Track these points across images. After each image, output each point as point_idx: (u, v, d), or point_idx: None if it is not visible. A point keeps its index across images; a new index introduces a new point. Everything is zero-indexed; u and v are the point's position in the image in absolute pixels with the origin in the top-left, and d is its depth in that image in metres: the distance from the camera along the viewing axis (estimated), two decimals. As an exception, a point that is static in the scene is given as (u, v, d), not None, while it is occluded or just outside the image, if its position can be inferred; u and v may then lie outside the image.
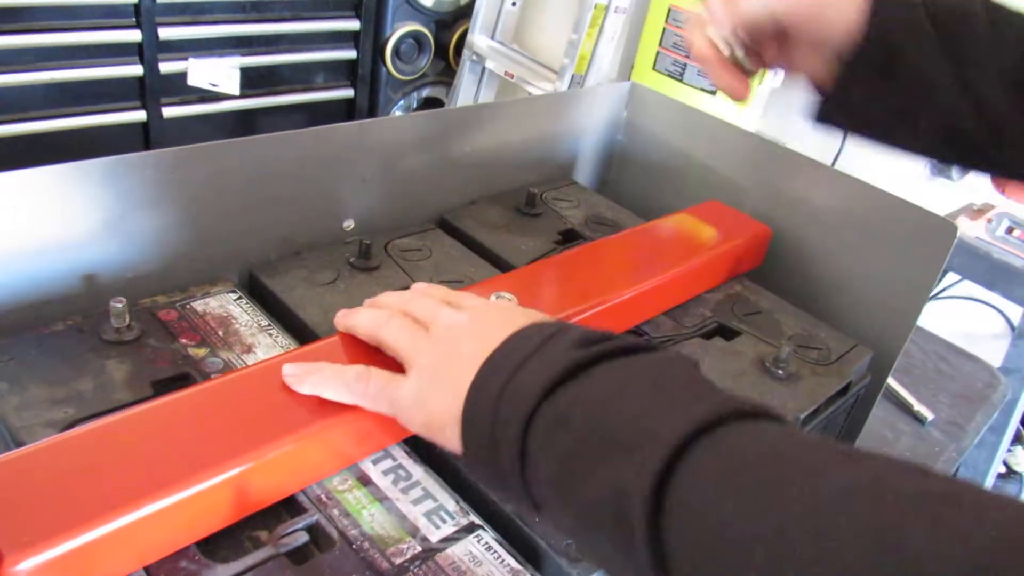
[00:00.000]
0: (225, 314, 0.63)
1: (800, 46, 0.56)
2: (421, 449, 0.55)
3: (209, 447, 0.46)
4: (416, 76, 2.16)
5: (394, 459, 0.53)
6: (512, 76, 2.08)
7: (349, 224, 0.76)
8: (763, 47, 0.59)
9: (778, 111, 1.85)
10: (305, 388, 0.50)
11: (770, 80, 1.58)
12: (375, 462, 0.53)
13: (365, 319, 0.54)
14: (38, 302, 0.60)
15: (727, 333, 0.72)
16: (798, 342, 0.70)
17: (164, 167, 0.63)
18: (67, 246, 0.60)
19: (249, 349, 0.60)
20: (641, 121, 0.96)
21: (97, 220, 0.61)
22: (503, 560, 0.48)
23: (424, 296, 0.54)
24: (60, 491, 0.42)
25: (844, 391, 0.69)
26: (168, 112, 1.72)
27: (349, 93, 2.02)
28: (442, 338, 0.48)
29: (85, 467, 0.44)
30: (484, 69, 2.14)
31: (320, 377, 0.50)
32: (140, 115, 1.69)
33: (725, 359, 0.68)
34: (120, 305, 0.58)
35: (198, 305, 0.63)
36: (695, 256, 0.76)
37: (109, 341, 0.58)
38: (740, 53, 0.58)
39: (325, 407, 0.50)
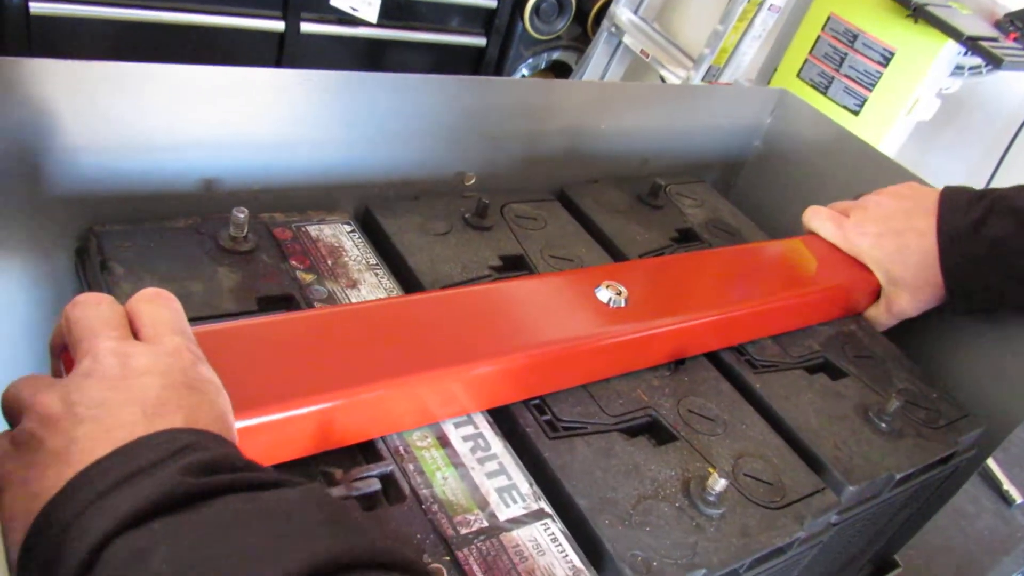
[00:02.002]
0: (337, 244, 0.63)
1: None
2: (504, 424, 0.54)
3: (303, 376, 0.46)
4: (550, 37, 2.12)
5: (476, 427, 0.53)
6: (647, 56, 2.02)
7: (470, 178, 0.75)
8: None
9: (920, 145, 1.75)
10: None
11: (919, 112, 1.49)
12: (457, 426, 0.52)
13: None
14: (164, 195, 0.61)
15: (833, 372, 0.68)
16: (907, 397, 0.66)
17: (312, 87, 0.62)
18: (202, 146, 0.61)
19: (354, 284, 0.60)
20: (783, 131, 0.92)
21: (232, 127, 0.62)
22: (566, 555, 0.47)
23: (95, 322, 0.39)
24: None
25: (946, 460, 0.65)
26: (305, 27, 1.74)
27: (481, 42, 2.01)
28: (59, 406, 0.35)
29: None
30: (620, 43, 2.08)
31: None
32: (279, 25, 1.71)
33: (827, 398, 0.65)
34: (242, 215, 0.58)
35: (313, 230, 0.64)
36: (813, 284, 0.72)
37: (224, 248, 0.59)
38: None
39: (420, 357, 0.50)
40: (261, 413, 0.43)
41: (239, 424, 0.42)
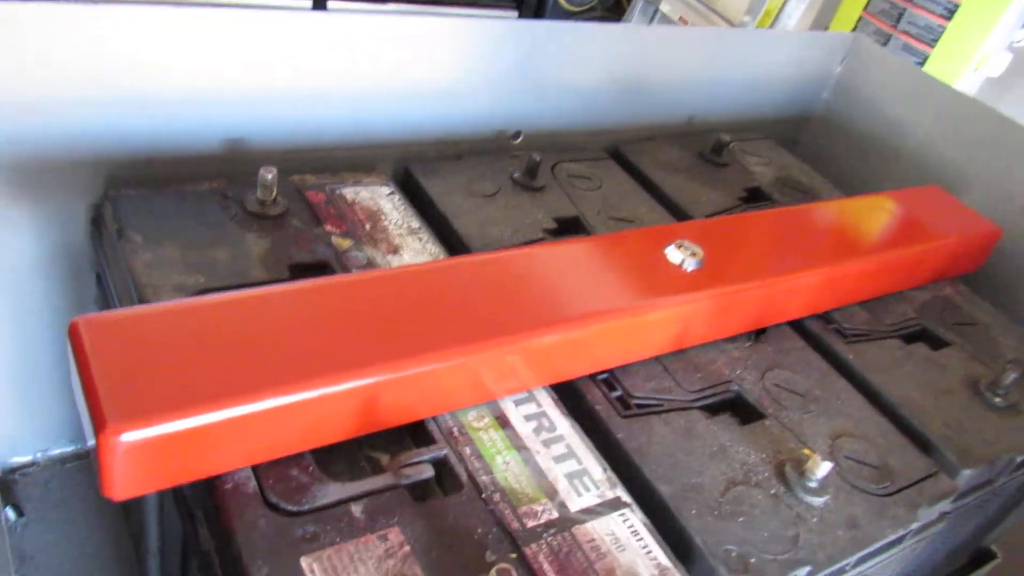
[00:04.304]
0: (375, 208, 0.57)
1: None
2: (569, 401, 0.47)
3: (345, 348, 0.40)
4: (584, 8, 2.04)
5: (539, 405, 0.46)
6: (686, 23, 1.93)
7: (517, 137, 0.68)
8: None
9: (988, 102, 1.64)
10: None
11: (988, 68, 1.39)
12: (517, 403, 0.46)
13: None
14: (185, 157, 0.56)
15: (933, 341, 0.61)
16: (1021, 368, 0.58)
17: (345, 33, 0.56)
18: (225, 100, 0.55)
19: (396, 250, 0.54)
20: (856, 80, 0.84)
21: (258, 78, 0.56)
22: (649, 550, 0.40)
23: None
24: (180, 363, 0.37)
25: (1067, 437, 0.57)
26: (332, 6, 1.68)
27: (512, 15, 1.93)
28: None
29: (211, 341, 0.38)
30: (656, 11, 2.00)
31: None
32: (305, 3, 1.65)
33: (928, 370, 0.57)
34: (270, 176, 0.52)
35: (348, 192, 0.57)
36: (904, 245, 0.64)
37: (252, 212, 0.53)
38: None
39: (473, 326, 0.43)
40: (296, 390, 0.37)
41: (273, 402, 0.37)
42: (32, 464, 0.65)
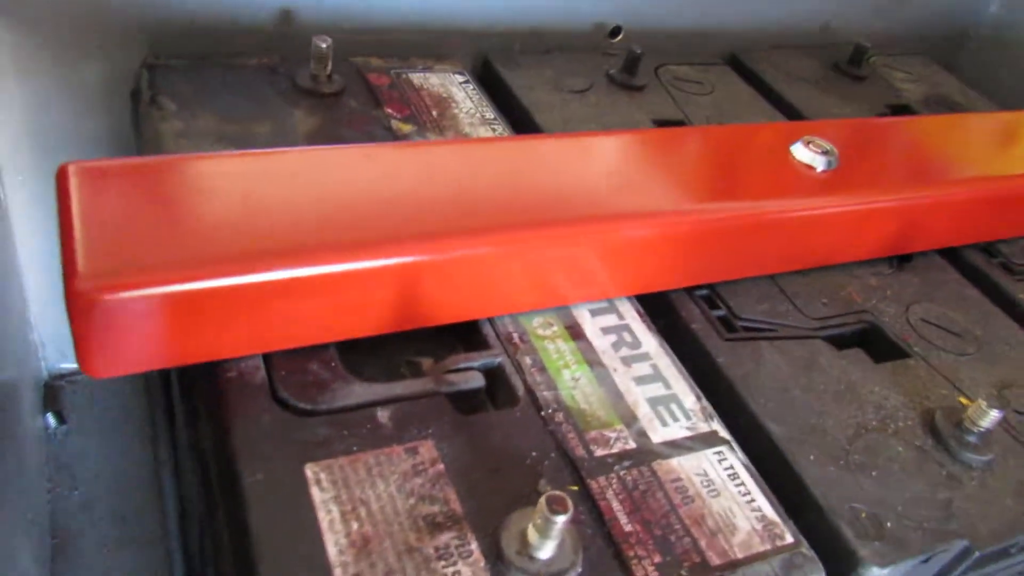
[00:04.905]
0: (445, 95, 0.49)
1: None
2: (660, 316, 0.38)
3: (382, 219, 0.33)
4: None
5: (620, 317, 0.38)
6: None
7: (616, 34, 0.59)
8: None
9: None
10: None
11: None
12: (594, 313, 0.37)
13: None
14: (235, 29, 0.50)
15: None
16: None
17: None
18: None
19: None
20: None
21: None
22: (752, 499, 0.31)
23: None
24: (180, 220, 0.30)
25: None
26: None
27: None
28: None
29: (221, 199, 0.32)
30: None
31: None
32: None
33: (1125, 320, 0.45)
34: (324, 45, 0.46)
35: (416, 78, 0.50)
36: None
37: (303, 88, 0.46)
38: None
39: (545, 209, 0.35)
40: (315, 261, 0.30)
41: (285, 274, 0.30)
42: (80, 371, 0.61)
